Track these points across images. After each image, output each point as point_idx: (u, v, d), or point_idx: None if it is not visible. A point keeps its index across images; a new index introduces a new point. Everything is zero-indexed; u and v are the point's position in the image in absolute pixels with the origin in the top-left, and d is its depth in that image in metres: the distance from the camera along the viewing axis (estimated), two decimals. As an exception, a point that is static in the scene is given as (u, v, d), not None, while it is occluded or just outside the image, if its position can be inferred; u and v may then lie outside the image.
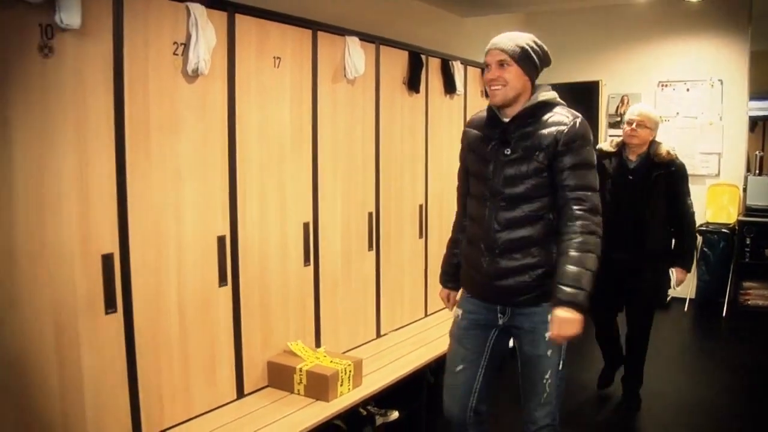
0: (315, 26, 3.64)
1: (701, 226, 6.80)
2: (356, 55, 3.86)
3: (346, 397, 3.36)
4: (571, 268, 2.47)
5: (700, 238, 6.78)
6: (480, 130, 2.77)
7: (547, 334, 2.58)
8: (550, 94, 2.66)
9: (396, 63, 4.38)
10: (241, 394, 3.32)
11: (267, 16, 3.31)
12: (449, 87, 4.92)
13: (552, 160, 2.54)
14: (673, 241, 4.20)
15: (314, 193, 3.73)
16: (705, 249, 6.80)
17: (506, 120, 2.65)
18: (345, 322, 4.07)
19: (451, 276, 3.05)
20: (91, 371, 2.63)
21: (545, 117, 2.59)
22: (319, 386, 3.29)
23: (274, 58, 3.37)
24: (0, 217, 2.30)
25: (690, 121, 7.11)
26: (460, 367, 2.82)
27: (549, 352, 2.65)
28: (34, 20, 2.34)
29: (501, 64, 2.58)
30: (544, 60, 2.67)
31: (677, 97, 7.15)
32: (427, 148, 4.82)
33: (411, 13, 5.55)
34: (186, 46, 2.88)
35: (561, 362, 2.69)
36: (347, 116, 3.96)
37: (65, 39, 2.44)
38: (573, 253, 2.48)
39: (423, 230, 4.83)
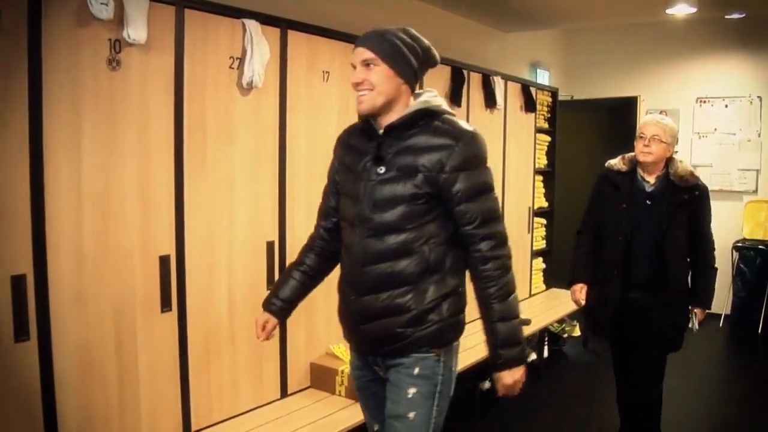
0: (362, 42, 3.76)
1: (737, 242, 6.82)
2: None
3: (385, 400, 3.45)
4: (502, 326, 2.14)
5: (736, 254, 6.79)
6: (354, 141, 2.29)
7: (411, 391, 2.18)
8: (435, 101, 2.18)
9: (438, 78, 4.48)
10: (284, 393, 3.44)
11: (317, 32, 3.46)
12: (490, 101, 5.01)
13: (436, 186, 2.10)
14: (690, 274, 3.56)
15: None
16: (741, 265, 6.78)
17: (382, 132, 2.18)
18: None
19: (280, 299, 2.47)
20: (147, 366, 2.78)
21: (428, 130, 2.13)
22: (360, 388, 3.40)
23: (323, 72, 3.51)
24: (69, 220, 2.46)
25: (728, 138, 7.11)
26: (376, 428, 2.41)
27: (411, 415, 2.17)
28: (104, 35, 2.52)
29: (366, 64, 2.10)
30: (425, 58, 2.18)
31: (715, 114, 7.16)
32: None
33: (454, 28, 5.65)
34: (241, 60, 3.04)
35: None
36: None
37: (131, 53, 2.61)
38: (497, 306, 2.13)
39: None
